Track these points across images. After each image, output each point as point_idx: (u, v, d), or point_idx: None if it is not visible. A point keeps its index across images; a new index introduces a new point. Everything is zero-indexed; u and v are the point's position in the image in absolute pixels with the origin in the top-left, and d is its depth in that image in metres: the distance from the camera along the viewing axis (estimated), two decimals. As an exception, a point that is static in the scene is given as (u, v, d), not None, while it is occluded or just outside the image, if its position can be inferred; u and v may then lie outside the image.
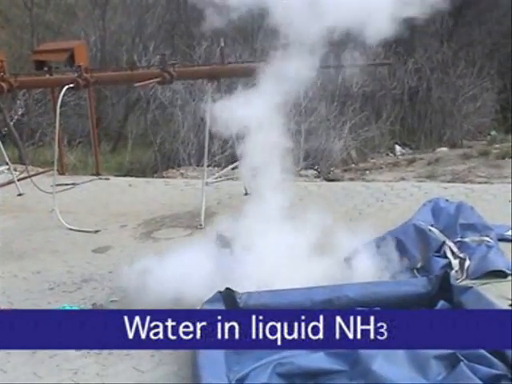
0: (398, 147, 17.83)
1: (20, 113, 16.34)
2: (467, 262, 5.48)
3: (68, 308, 5.16)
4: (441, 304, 4.47)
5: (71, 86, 8.16)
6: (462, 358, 3.71)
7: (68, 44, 10.65)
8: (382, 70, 17.57)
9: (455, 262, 5.50)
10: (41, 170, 11.43)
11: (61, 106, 8.21)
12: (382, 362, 3.71)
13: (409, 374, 3.74)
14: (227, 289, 4.60)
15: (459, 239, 5.83)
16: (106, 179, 10.51)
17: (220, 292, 4.60)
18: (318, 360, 3.84)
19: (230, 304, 4.55)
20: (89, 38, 18.34)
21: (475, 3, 21.18)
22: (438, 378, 3.75)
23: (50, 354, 4.48)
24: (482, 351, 3.75)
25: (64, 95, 8.10)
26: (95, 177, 10.63)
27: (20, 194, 9.54)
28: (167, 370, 4.22)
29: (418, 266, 5.46)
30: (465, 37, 20.85)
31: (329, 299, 4.58)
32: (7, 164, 9.79)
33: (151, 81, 7.98)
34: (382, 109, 18.20)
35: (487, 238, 5.80)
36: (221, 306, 4.50)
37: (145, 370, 4.25)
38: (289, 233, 5.32)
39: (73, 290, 5.70)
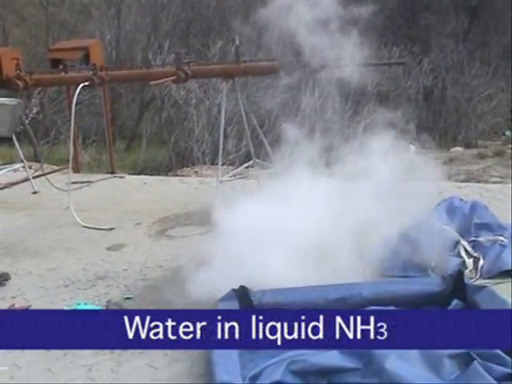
0: (412, 147, 17.80)
1: (35, 111, 16.39)
2: (481, 262, 5.47)
3: (82, 305, 5.18)
4: (455, 303, 4.47)
5: (86, 84, 8.18)
6: (476, 357, 3.70)
7: (83, 42, 10.68)
8: (397, 70, 17.56)
9: (469, 261, 5.50)
10: (56, 167, 11.48)
11: (76, 104, 8.24)
12: (396, 360, 3.71)
13: (422, 373, 3.72)
14: (241, 287, 4.61)
15: (473, 238, 5.84)
16: (121, 177, 10.56)
17: (234, 290, 4.61)
18: (331, 358, 3.83)
19: (245, 302, 4.56)
20: (104, 36, 18.44)
21: (491, 3, 21.13)
22: (452, 377, 3.73)
23: (64, 352, 4.49)
24: (496, 350, 3.74)
25: (79, 93, 8.12)
26: (110, 175, 10.68)
27: (35, 192, 9.58)
28: (181, 366, 4.23)
29: (432, 264, 5.45)
30: (480, 37, 20.82)
31: (343, 297, 4.59)
32: (22, 162, 9.83)
33: (166, 79, 7.98)
34: (396, 108, 18.17)
35: (501, 238, 5.79)
36: (235, 304, 4.51)
37: (159, 366, 4.26)
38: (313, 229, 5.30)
39: (87, 288, 5.71)
